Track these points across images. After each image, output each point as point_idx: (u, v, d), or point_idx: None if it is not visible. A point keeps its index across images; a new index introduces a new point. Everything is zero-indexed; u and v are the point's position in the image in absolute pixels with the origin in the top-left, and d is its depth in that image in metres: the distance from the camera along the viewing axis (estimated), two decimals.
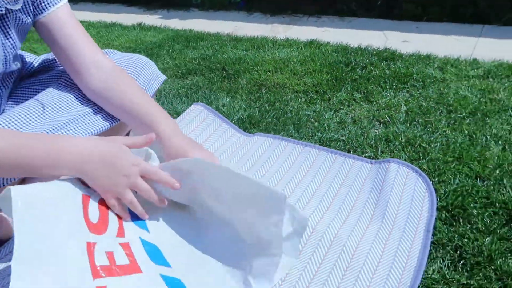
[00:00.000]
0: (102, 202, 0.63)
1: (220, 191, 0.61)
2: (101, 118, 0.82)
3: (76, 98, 0.82)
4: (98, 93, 0.81)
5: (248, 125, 1.06)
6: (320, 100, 1.19)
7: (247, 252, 0.61)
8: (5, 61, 0.77)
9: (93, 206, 0.60)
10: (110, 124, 0.83)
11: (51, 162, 0.58)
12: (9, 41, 0.77)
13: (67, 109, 0.80)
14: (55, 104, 0.80)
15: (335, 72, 1.35)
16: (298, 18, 2.12)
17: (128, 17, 2.46)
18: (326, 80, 1.29)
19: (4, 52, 0.76)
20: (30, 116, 0.75)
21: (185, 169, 0.62)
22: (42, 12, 0.78)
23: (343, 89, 1.24)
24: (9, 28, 0.77)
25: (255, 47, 1.66)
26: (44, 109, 0.78)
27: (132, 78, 0.84)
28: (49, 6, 0.78)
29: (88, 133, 0.80)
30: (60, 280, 0.48)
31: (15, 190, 0.50)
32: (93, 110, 0.82)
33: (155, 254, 0.61)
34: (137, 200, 0.64)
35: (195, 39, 1.83)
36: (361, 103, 1.16)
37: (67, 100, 0.81)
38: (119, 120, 0.84)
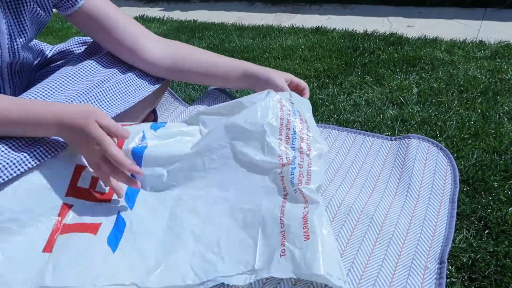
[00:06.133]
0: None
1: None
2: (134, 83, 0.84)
3: (97, 65, 0.82)
4: (164, 63, 0.85)
5: None
6: (332, 84, 1.20)
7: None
8: (12, 49, 0.76)
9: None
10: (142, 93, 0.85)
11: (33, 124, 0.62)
12: (19, 30, 0.76)
13: (87, 76, 0.80)
14: (75, 72, 0.80)
15: (344, 57, 1.36)
16: (300, 6, 2.12)
17: (129, 10, 2.46)
18: (336, 65, 1.31)
19: (11, 41, 0.75)
20: (52, 87, 0.75)
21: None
22: (75, 4, 0.77)
23: (353, 73, 1.25)
24: (22, 17, 0.75)
25: (261, 35, 1.67)
26: (65, 79, 0.78)
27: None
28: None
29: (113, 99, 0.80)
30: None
31: None
32: (119, 72, 0.83)
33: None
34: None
35: (200, 29, 1.83)
36: (373, 86, 1.17)
37: (88, 67, 0.81)
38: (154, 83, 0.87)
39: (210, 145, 0.73)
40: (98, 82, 0.79)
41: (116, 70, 0.84)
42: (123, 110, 0.81)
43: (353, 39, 1.52)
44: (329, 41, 1.53)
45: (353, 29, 1.64)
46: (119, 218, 0.66)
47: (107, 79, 0.81)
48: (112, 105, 0.79)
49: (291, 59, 1.40)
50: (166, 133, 0.75)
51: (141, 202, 0.69)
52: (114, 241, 0.62)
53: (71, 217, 0.64)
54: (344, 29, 1.66)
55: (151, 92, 0.88)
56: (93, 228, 0.63)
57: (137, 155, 0.71)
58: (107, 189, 0.69)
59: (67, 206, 0.65)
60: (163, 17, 2.18)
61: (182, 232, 0.64)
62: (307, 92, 0.92)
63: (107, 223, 0.65)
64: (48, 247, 0.60)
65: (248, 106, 0.75)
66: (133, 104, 0.81)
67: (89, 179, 0.68)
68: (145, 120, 0.98)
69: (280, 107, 0.74)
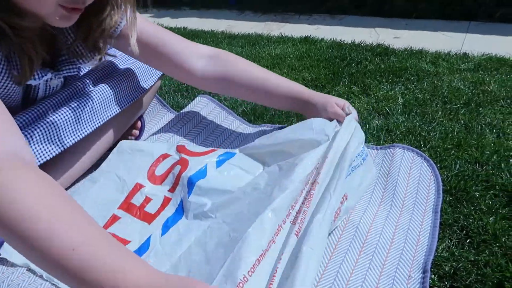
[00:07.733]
0: (177, 163, 0.76)
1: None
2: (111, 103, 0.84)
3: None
4: (216, 80, 0.85)
5: (252, 117, 1.08)
6: None
7: None
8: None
9: (166, 163, 0.76)
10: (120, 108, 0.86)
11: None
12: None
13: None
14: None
15: (332, 67, 1.38)
16: (290, 16, 2.15)
17: None
18: (324, 75, 1.33)
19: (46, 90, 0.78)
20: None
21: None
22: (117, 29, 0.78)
23: (341, 83, 1.27)
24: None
25: (251, 43, 1.69)
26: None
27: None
28: (119, 27, 0.78)
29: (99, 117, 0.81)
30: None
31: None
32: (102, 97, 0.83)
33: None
34: None
35: (190, 36, 1.84)
36: (360, 96, 1.19)
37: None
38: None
39: (257, 188, 0.69)
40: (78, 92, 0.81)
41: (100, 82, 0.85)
42: (108, 118, 0.82)
43: (341, 49, 1.55)
44: (317, 50, 1.55)
45: (341, 40, 1.67)
46: (147, 241, 0.67)
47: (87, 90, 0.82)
48: (92, 116, 0.80)
49: (279, 67, 1.41)
50: (228, 169, 0.75)
51: (175, 231, 0.68)
52: None
53: (112, 228, 0.69)
54: (332, 39, 1.68)
55: (131, 102, 0.89)
56: (122, 243, 0.64)
57: (190, 182, 0.72)
58: (154, 210, 0.72)
59: (116, 218, 0.70)
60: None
61: (183, 268, 0.60)
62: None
63: (135, 242, 0.67)
64: None
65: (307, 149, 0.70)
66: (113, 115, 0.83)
67: (143, 197, 0.73)
68: (131, 127, 0.98)
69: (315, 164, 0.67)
